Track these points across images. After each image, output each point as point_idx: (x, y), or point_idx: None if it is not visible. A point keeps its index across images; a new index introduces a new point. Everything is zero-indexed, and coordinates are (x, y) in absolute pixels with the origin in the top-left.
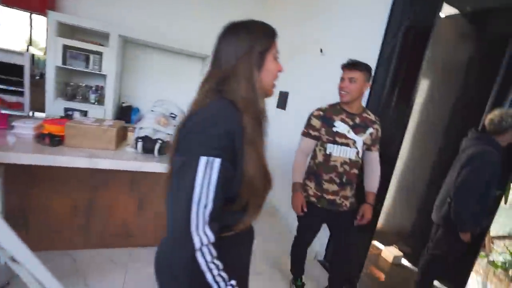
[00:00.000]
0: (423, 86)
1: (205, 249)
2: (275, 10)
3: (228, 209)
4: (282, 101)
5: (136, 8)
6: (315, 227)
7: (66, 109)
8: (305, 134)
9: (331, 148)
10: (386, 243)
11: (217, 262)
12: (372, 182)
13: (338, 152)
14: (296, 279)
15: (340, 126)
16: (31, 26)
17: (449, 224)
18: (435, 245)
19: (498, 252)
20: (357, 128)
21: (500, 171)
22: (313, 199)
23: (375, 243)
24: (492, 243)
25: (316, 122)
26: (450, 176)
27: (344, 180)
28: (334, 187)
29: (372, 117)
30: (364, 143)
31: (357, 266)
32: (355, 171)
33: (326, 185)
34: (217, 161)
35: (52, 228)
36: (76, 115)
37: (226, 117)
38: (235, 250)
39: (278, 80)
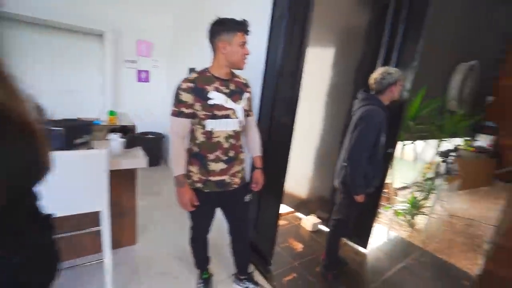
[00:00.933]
0: (327, 52)
1: None
2: None
3: None
4: None
5: None
6: (207, 215)
7: None
8: (177, 113)
9: (211, 124)
10: (307, 213)
11: None
12: (257, 146)
13: (220, 126)
14: (202, 273)
15: (217, 97)
16: None
17: (347, 188)
18: (337, 210)
19: (400, 202)
20: (235, 95)
21: (386, 130)
22: (198, 185)
23: (298, 214)
24: (396, 195)
25: (187, 97)
26: (346, 140)
27: (231, 155)
28: (221, 166)
29: (242, 79)
30: (244, 110)
31: (269, 241)
32: (240, 142)
33: (212, 166)
34: None
35: None
36: None
37: None
38: None
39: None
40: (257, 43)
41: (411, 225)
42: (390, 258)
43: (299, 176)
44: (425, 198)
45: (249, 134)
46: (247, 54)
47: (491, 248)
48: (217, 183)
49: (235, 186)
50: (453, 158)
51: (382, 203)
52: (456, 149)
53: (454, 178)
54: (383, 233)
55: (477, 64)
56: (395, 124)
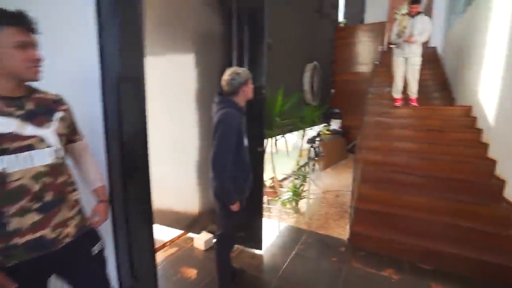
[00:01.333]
0: (189, 58)
1: None
2: None
3: None
4: None
5: None
6: None
7: None
8: None
9: (1, 163)
10: (199, 230)
11: None
12: (96, 176)
13: (19, 164)
14: None
15: (3, 124)
16: None
17: (220, 199)
18: (218, 225)
19: (284, 193)
20: (37, 118)
21: (246, 130)
22: None
23: (190, 234)
24: (281, 186)
25: None
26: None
27: (49, 199)
28: (34, 217)
29: (50, 95)
30: (60, 135)
31: (151, 285)
32: (64, 178)
33: (15, 222)
34: None
35: None
36: None
37: None
38: None
39: None
40: (86, 46)
41: (296, 211)
42: (283, 251)
43: (183, 191)
44: (303, 183)
45: (81, 163)
46: (36, 59)
47: (352, 212)
48: (30, 244)
49: (69, 239)
50: (318, 142)
51: (270, 198)
52: (319, 135)
53: (321, 159)
54: (275, 227)
55: (317, 64)
56: (258, 123)
